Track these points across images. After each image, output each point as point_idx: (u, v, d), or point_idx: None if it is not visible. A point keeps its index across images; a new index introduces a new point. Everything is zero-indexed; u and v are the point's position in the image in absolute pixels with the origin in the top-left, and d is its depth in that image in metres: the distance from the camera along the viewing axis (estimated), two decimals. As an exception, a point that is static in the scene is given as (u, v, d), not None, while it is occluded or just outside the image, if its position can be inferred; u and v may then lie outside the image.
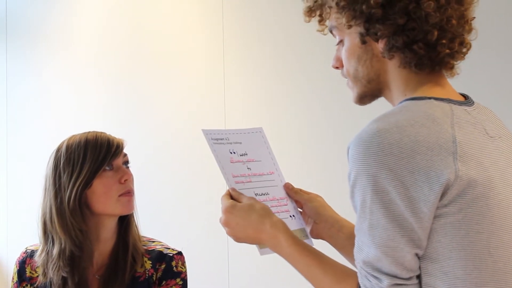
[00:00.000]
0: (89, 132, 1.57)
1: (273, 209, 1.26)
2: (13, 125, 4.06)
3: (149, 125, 3.34)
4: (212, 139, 1.28)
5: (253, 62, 2.97)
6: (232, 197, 1.26)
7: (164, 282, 1.57)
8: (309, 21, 1.21)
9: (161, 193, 3.25)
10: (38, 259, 1.55)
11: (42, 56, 3.90)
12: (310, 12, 1.19)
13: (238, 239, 1.23)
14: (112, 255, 1.57)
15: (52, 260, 1.51)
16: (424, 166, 0.96)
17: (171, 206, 3.24)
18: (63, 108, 3.76)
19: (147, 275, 1.57)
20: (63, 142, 1.57)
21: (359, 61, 1.14)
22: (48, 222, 1.53)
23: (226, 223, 1.23)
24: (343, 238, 1.31)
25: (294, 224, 1.30)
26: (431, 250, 0.99)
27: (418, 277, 1.01)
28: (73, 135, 1.58)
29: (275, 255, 1.21)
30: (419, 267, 1.01)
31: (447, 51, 1.08)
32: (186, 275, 1.60)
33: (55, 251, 1.51)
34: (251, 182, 1.30)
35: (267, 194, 1.31)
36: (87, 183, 1.51)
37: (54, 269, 1.51)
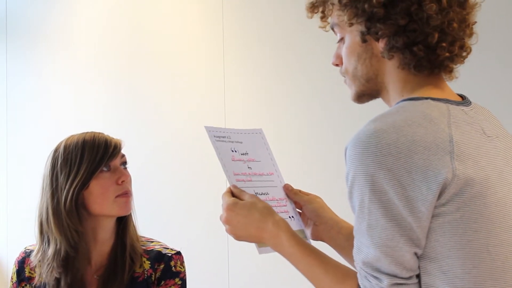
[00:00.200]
0: (87, 132, 1.57)
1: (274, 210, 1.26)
2: (13, 125, 4.06)
3: (149, 125, 3.34)
4: (214, 136, 1.29)
5: (253, 62, 2.97)
6: (233, 195, 1.25)
7: (163, 282, 1.57)
8: (311, 17, 1.21)
9: (161, 193, 3.25)
10: (34, 259, 1.55)
11: (42, 56, 3.90)
12: (312, 8, 1.20)
13: (238, 237, 1.23)
14: (111, 255, 1.57)
15: (46, 260, 1.51)
16: (421, 166, 0.96)
17: (170, 206, 3.24)
18: (63, 108, 3.76)
19: (146, 275, 1.57)
20: (61, 142, 1.57)
21: (359, 60, 1.14)
22: (44, 223, 1.53)
23: (227, 221, 1.22)
24: (343, 239, 1.31)
25: (293, 225, 1.30)
26: (430, 249, 0.99)
27: (418, 276, 1.01)
28: (71, 135, 1.58)
29: (275, 254, 1.21)
30: (419, 267, 1.01)
31: (447, 54, 1.08)
32: (185, 275, 1.60)
33: (50, 251, 1.51)
34: (251, 181, 1.30)
35: (267, 194, 1.31)
36: (84, 184, 1.50)
37: (47, 269, 1.51)
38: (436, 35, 1.06)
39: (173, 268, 1.58)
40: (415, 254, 1.00)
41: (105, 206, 1.52)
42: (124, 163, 1.59)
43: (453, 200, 0.97)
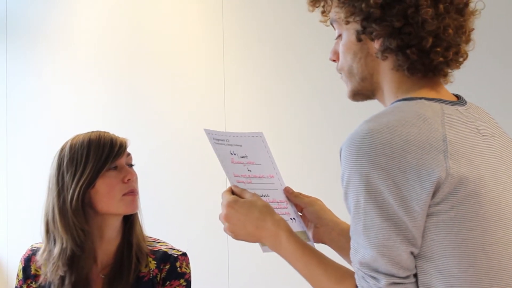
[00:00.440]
0: (92, 131, 1.58)
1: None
2: (13, 125, 4.06)
3: (149, 125, 3.34)
4: (213, 139, 1.29)
5: (253, 62, 2.97)
6: (234, 193, 1.25)
7: (168, 282, 1.57)
8: (312, 11, 1.22)
9: (161, 193, 3.25)
10: (40, 258, 1.56)
11: (42, 56, 3.90)
12: (314, 2, 1.21)
13: (236, 236, 1.22)
14: (117, 254, 1.58)
15: (52, 259, 1.52)
16: (415, 165, 0.96)
17: (171, 206, 3.24)
18: (63, 108, 3.76)
19: (151, 275, 1.57)
20: (67, 142, 1.58)
21: (354, 58, 1.15)
22: (50, 222, 1.54)
23: (226, 218, 1.22)
24: (344, 241, 1.30)
25: (295, 227, 1.30)
26: (426, 248, 1.00)
27: (416, 275, 1.01)
28: (77, 135, 1.58)
29: (275, 254, 1.21)
30: (416, 266, 1.01)
31: (441, 59, 1.08)
32: (190, 276, 1.61)
33: (56, 250, 1.51)
34: (251, 183, 1.30)
35: (267, 196, 1.31)
36: (90, 183, 1.51)
37: (53, 268, 1.51)
38: (431, 40, 1.06)
39: (178, 269, 1.59)
40: (412, 253, 1.00)
41: (112, 204, 1.53)
42: (130, 161, 1.60)
43: (447, 199, 0.98)
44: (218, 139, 1.30)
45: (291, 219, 1.32)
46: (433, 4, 1.06)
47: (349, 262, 1.29)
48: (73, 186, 1.51)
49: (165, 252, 1.60)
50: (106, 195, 1.52)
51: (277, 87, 2.87)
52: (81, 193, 1.50)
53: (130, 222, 1.60)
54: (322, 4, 1.19)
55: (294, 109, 2.81)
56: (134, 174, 1.58)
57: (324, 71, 2.63)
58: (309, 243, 1.32)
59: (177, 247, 1.64)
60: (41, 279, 1.58)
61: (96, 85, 3.60)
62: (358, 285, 1.02)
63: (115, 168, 1.55)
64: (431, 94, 1.09)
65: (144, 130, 3.33)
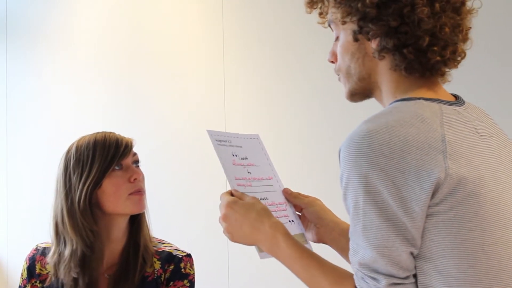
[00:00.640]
0: (98, 132, 1.59)
1: (273, 214, 1.25)
2: (13, 125, 4.06)
3: (149, 125, 3.35)
4: (216, 140, 1.29)
5: (253, 62, 2.97)
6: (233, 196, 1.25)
7: (171, 283, 1.58)
8: (310, 12, 1.22)
9: (161, 193, 3.25)
10: (50, 260, 1.56)
11: (42, 56, 3.90)
12: (311, 3, 1.21)
13: (233, 237, 1.22)
14: (123, 254, 1.58)
15: (63, 261, 1.52)
16: (414, 166, 0.96)
17: (171, 206, 3.24)
18: (63, 108, 3.76)
19: (155, 275, 1.58)
20: (73, 144, 1.59)
21: (352, 58, 1.15)
22: (59, 224, 1.54)
23: (225, 218, 1.22)
24: (344, 241, 1.30)
25: (293, 229, 1.30)
26: (425, 249, 0.99)
27: (415, 276, 1.01)
28: (83, 136, 1.59)
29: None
30: (415, 266, 1.01)
31: (438, 58, 1.08)
32: (194, 278, 1.61)
33: (67, 252, 1.52)
34: (251, 186, 1.30)
35: (266, 199, 1.31)
36: (97, 183, 1.52)
37: (65, 270, 1.52)
38: (427, 39, 1.06)
39: (182, 270, 1.59)
40: (411, 254, 1.00)
41: (119, 204, 1.54)
42: (136, 161, 1.61)
43: (446, 199, 0.97)
44: (220, 140, 1.30)
45: (289, 221, 1.32)
46: (429, 3, 1.06)
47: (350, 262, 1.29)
48: (80, 187, 1.51)
49: (169, 253, 1.61)
50: (113, 195, 1.53)
51: (277, 87, 2.87)
52: (88, 194, 1.51)
53: (137, 222, 1.61)
54: (319, 5, 1.20)
55: (294, 109, 2.81)
56: (140, 174, 1.59)
57: (324, 71, 2.63)
58: (307, 245, 1.32)
59: (181, 248, 1.64)
60: (47, 280, 1.58)
61: (96, 85, 3.60)
62: (357, 286, 1.02)
63: (121, 168, 1.55)
64: (429, 94, 1.09)
65: (144, 130, 3.33)
